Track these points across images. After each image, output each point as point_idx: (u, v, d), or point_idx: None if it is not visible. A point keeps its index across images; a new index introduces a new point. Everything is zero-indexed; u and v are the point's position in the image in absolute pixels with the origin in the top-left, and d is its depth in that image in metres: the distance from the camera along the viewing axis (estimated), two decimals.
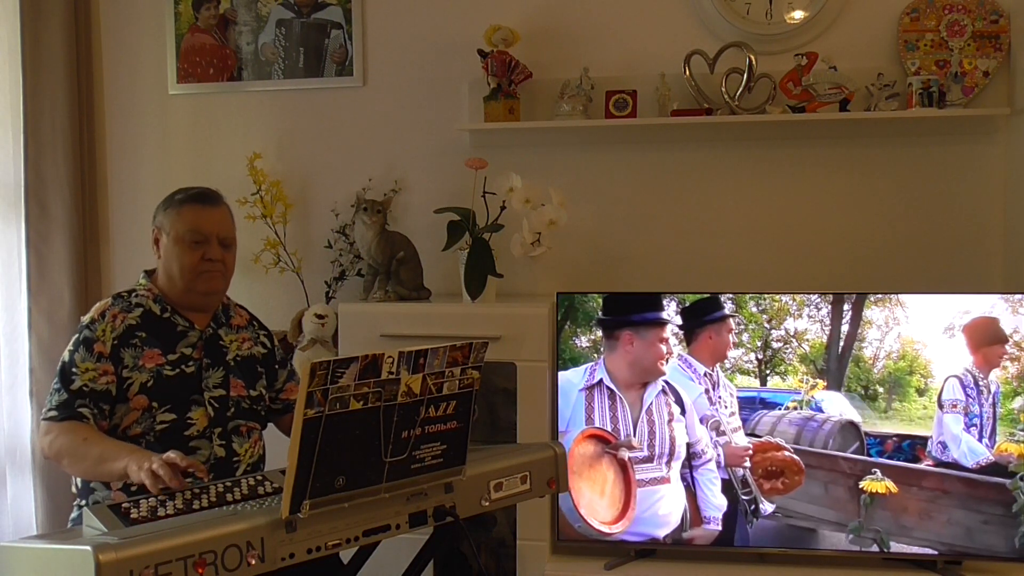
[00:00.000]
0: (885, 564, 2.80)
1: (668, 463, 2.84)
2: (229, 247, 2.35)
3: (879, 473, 2.76)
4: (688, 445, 2.83)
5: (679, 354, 2.84)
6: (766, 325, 2.82)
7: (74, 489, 2.29)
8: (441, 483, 1.86)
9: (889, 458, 2.76)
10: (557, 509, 2.89)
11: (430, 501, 1.85)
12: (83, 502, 2.24)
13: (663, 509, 2.85)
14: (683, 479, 2.84)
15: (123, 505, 1.78)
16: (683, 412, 2.84)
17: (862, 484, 2.77)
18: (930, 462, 2.74)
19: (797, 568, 2.81)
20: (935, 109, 2.86)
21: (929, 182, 3.04)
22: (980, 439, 2.72)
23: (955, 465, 2.73)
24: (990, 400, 2.72)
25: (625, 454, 2.85)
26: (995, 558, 2.74)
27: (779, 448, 2.80)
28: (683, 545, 2.85)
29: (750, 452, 2.82)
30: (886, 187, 3.07)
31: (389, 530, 1.80)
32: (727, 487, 2.83)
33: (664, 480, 2.84)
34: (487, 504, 1.96)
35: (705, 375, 2.83)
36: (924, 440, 2.75)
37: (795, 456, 2.80)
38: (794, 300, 2.80)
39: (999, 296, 2.73)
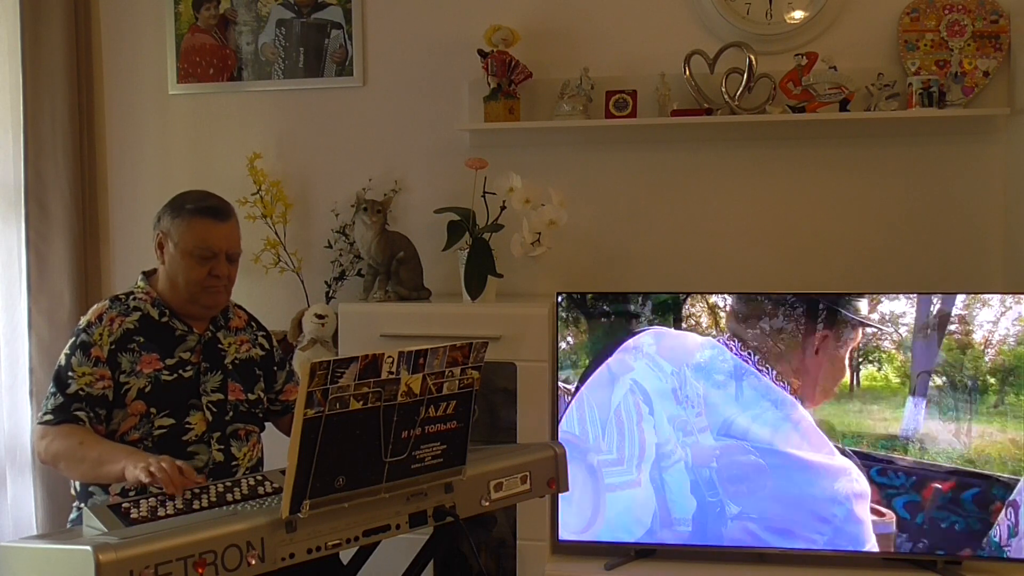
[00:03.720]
0: (886, 564, 2.80)
1: (638, 465, 2.82)
2: (235, 261, 2.32)
3: (852, 473, 2.74)
4: (656, 445, 2.82)
5: (648, 351, 2.82)
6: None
7: (73, 491, 2.27)
8: (441, 483, 1.86)
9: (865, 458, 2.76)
10: (557, 509, 2.88)
11: (430, 501, 1.85)
12: (81, 504, 2.22)
13: (634, 513, 2.83)
14: (652, 480, 2.82)
15: (123, 505, 1.78)
16: (651, 411, 2.82)
17: (836, 484, 2.75)
18: (906, 460, 2.73)
19: (798, 568, 2.80)
20: (935, 109, 2.86)
21: (929, 182, 3.04)
22: (956, 438, 2.71)
23: (931, 464, 2.72)
24: (965, 398, 2.71)
25: (593, 459, 2.83)
26: (972, 558, 2.73)
27: (744, 452, 2.78)
28: (673, 546, 2.84)
29: (717, 453, 2.80)
30: (886, 187, 3.07)
31: (389, 530, 1.80)
32: (695, 488, 2.81)
33: (635, 484, 2.82)
34: (487, 504, 1.96)
35: (672, 374, 2.82)
36: (900, 439, 2.74)
37: (761, 460, 2.77)
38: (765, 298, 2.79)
39: (967, 295, 2.73)
